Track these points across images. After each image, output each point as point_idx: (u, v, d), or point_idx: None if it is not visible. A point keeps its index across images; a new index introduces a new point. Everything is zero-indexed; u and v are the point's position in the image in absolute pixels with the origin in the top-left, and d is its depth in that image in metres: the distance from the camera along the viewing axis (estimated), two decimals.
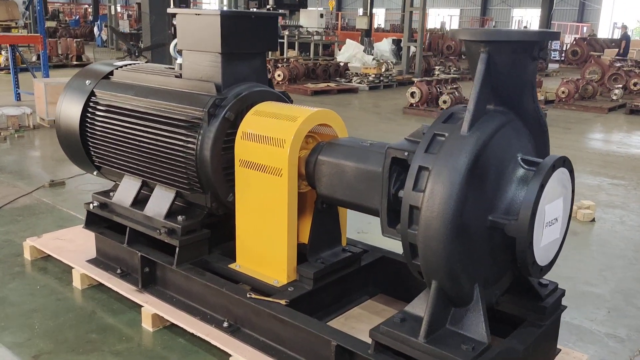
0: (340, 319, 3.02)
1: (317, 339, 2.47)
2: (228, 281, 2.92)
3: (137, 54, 6.37)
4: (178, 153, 2.99)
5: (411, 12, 16.92)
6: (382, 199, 2.46)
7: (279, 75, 13.85)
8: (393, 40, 24.71)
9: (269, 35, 3.19)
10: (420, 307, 2.32)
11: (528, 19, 46.56)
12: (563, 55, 28.20)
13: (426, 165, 2.12)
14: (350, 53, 22.16)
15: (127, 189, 3.39)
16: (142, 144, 3.18)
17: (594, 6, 46.04)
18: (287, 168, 2.73)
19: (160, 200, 3.19)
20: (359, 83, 14.30)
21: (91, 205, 3.46)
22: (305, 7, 28.92)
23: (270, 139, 2.78)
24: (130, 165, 3.31)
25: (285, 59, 15.09)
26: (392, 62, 19.80)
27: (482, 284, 2.23)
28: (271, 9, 27.67)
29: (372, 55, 23.66)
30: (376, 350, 2.29)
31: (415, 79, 11.38)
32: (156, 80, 3.29)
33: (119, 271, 3.38)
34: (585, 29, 43.89)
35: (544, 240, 2.16)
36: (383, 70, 15.02)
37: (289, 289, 2.80)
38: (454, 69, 17.52)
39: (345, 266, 3.00)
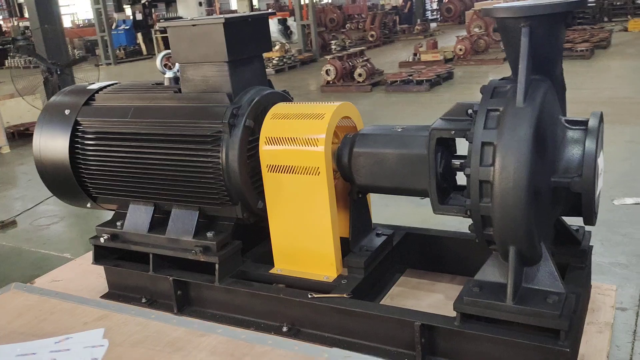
0: (386, 300, 3.12)
1: (397, 323, 2.56)
2: (282, 286, 2.92)
3: (59, 72, 5.91)
4: (203, 169, 2.91)
5: None
6: (430, 180, 2.58)
7: None
8: (279, 20, 24.68)
9: (263, 37, 3.16)
10: (492, 273, 2.47)
11: None
12: (438, 13, 29.59)
13: (490, 141, 2.25)
14: None
15: (138, 215, 3.24)
16: (154, 167, 3.05)
17: None
18: (325, 165, 2.76)
19: (184, 220, 3.10)
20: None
21: (101, 238, 3.28)
22: None
23: (302, 140, 2.78)
24: (140, 190, 3.17)
25: None
26: (285, 42, 19.85)
27: (545, 240, 2.42)
28: (147, 3, 26.68)
29: None
30: (462, 321, 2.42)
31: (327, 57, 11.50)
32: (152, 98, 3.16)
33: (144, 300, 3.25)
34: None
35: (597, 191, 2.38)
36: (285, 52, 15.03)
37: (342, 282, 2.85)
38: (349, 41, 17.86)
39: (384, 249, 3.09)
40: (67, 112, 3.34)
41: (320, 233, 2.87)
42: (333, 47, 16.69)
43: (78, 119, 3.30)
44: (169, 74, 3.27)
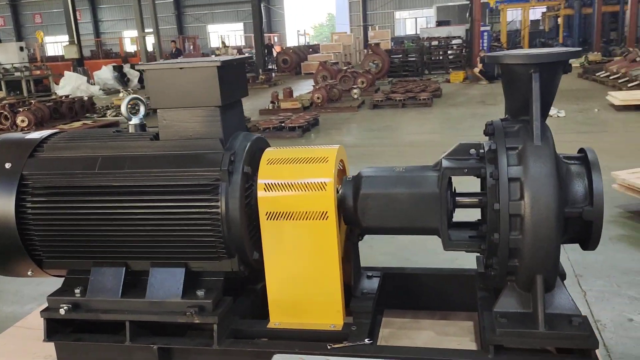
0: (380, 343, 3.08)
1: None
2: (295, 341, 2.74)
3: None
4: (199, 221, 2.67)
5: (144, 37, 16.46)
6: (442, 217, 2.66)
7: (22, 121, 12.19)
8: (114, 66, 23.61)
9: (243, 81, 3.05)
10: (511, 303, 2.58)
11: (223, 33, 49.29)
12: (274, 64, 30.67)
13: (516, 176, 2.40)
14: (72, 85, 20.55)
15: (105, 279, 2.84)
16: (131, 224, 2.72)
17: (279, 11, 50.96)
18: (333, 209, 2.70)
19: (167, 280, 2.79)
20: (115, 116, 13.47)
21: (61, 310, 2.80)
22: None
23: (307, 185, 2.70)
24: (111, 250, 2.80)
25: (23, 102, 13.30)
26: (125, 90, 19.11)
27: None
28: None
29: (96, 84, 22.38)
30: (495, 353, 2.49)
31: None
32: (123, 147, 2.84)
33: None
34: (276, 38, 48.34)
35: None
36: None
37: (352, 329, 2.77)
38: None
39: (378, 291, 3.08)
40: (7, 165, 2.86)
41: (326, 280, 2.77)
42: None
43: (24, 173, 2.84)
44: (135, 120, 2.98)
